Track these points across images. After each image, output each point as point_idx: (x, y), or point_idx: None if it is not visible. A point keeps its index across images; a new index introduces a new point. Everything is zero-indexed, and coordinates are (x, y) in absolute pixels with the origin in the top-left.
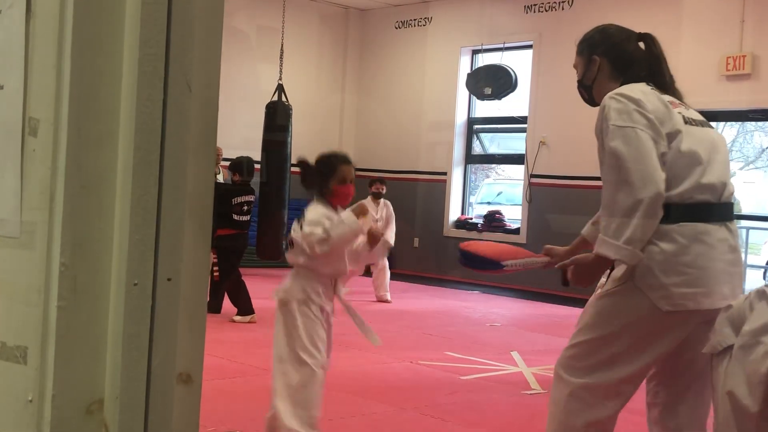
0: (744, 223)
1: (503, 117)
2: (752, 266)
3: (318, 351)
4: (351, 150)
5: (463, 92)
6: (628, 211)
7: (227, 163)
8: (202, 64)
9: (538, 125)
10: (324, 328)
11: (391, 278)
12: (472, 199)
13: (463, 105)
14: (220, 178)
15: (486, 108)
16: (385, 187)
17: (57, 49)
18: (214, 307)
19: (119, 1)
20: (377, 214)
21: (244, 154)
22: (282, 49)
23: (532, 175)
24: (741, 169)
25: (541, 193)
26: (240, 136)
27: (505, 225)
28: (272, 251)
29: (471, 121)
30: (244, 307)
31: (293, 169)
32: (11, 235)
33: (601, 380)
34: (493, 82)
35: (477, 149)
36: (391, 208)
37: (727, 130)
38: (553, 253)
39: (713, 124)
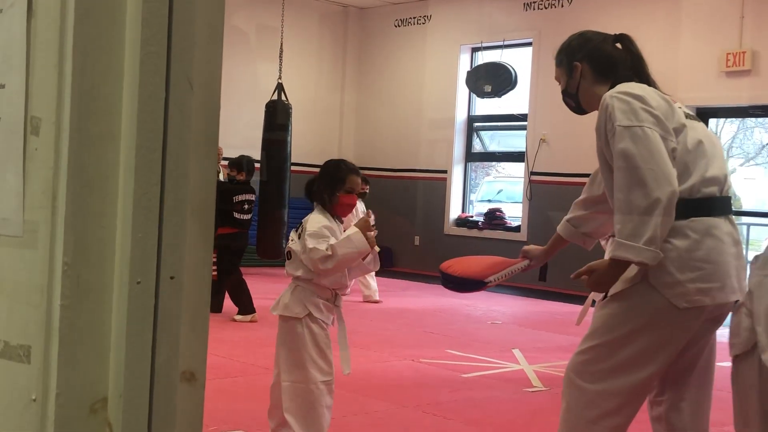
0: (745, 219)
1: (503, 114)
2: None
3: (327, 364)
4: (351, 149)
5: (463, 90)
6: (646, 211)
7: (227, 162)
8: (203, 62)
9: (538, 123)
10: (327, 340)
11: (392, 276)
12: (473, 196)
13: (463, 103)
14: (221, 177)
15: (486, 105)
16: (368, 187)
17: (58, 47)
18: (215, 306)
19: (120, 0)
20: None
21: (244, 153)
22: (281, 48)
23: (533, 173)
24: (741, 165)
25: (541, 191)
26: (240, 135)
27: (505, 223)
28: (272, 250)
29: (471, 119)
30: (246, 306)
31: (293, 168)
32: (14, 235)
33: (618, 385)
34: (492, 79)
35: (477, 147)
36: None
37: (727, 127)
38: (531, 255)
39: (713, 120)
